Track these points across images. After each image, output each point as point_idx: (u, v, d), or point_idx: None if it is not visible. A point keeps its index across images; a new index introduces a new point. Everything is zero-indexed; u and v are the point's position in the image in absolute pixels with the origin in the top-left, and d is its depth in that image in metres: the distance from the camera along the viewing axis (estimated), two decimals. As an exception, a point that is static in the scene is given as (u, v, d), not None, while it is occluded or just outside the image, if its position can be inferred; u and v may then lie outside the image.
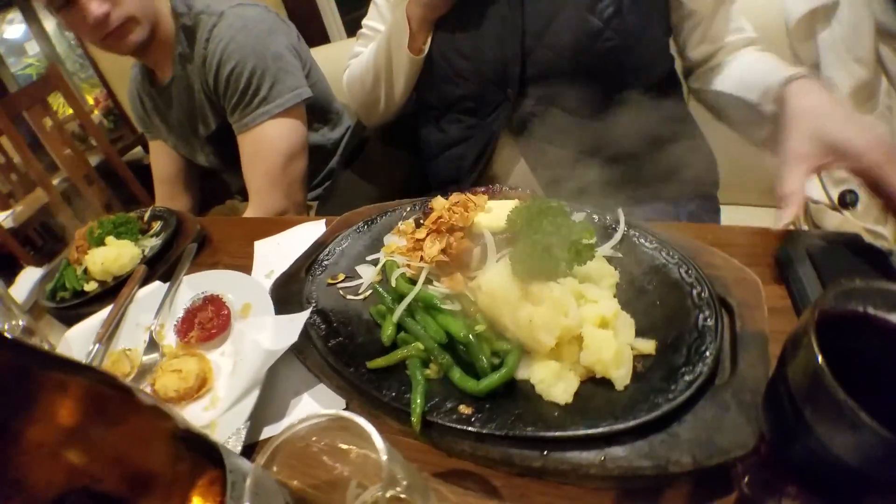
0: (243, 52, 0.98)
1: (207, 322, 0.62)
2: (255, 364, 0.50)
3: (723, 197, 0.97)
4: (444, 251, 0.53)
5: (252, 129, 1.03)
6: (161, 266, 0.82)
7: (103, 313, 0.72)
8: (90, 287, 0.84)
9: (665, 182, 0.82)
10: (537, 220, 0.48)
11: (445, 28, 0.87)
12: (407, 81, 0.93)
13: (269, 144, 1.04)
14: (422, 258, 0.55)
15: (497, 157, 0.91)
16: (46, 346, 0.72)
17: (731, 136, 0.84)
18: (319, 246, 0.69)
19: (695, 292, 0.48)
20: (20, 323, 0.71)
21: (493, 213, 0.57)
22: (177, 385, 0.52)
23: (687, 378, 0.41)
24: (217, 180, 1.40)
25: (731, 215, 1.08)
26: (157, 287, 0.75)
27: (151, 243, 0.90)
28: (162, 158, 1.32)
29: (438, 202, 0.61)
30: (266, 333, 0.54)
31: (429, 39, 0.88)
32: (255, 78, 0.99)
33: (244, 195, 1.33)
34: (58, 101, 2.18)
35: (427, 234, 0.57)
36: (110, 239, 0.87)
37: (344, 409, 0.48)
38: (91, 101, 2.71)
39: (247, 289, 0.66)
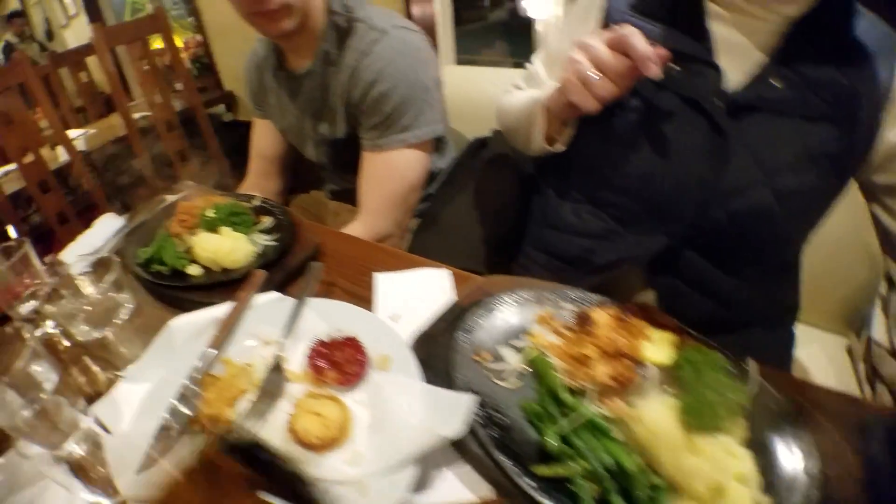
0: (398, 78, 1.00)
1: (345, 363, 0.61)
2: (409, 437, 0.48)
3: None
4: (613, 377, 0.53)
5: (384, 151, 1.04)
6: (277, 273, 0.81)
7: (213, 311, 0.71)
8: (194, 272, 0.84)
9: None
10: (705, 372, 0.51)
11: (620, 131, 0.78)
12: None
13: (396, 170, 1.06)
14: (587, 375, 0.55)
15: (627, 275, 0.88)
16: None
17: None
18: (458, 311, 0.68)
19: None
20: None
21: (653, 342, 0.57)
22: (320, 431, 0.51)
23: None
24: (310, 172, 1.40)
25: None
26: (276, 299, 0.74)
27: (263, 240, 0.89)
28: (265, 137, 1.33)
29: (602, 317, 0.60)
30: (414, 400, 0.53)
31: (566, 134, 0.83)
32: (401, 105, 1.00)
33: (336, 195, 1.34)
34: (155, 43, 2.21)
35: (595, 353, 0.57)
36: (226, 229, 0.86)
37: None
38: (180, 44, 2.75)
39: (383, 336, 0.64)
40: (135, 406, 0.63)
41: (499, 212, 1.10)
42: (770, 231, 0.76)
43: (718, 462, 0.47)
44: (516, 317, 0.66)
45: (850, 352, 1.00)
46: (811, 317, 1.12)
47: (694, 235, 0.78)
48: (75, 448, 0.58)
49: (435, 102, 1.06)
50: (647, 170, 0.77)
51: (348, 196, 1.32)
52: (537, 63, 0.97)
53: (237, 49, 2.49)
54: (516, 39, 2.19)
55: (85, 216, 1.95)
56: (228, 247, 0.83)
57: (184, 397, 0.60)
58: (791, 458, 0.50)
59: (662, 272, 0.83)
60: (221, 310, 0.72)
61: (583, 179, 0.87)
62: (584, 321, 0.61)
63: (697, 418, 0.49)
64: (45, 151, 1.88)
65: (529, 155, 0.95)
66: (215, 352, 0.65)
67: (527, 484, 0.46)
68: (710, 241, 0.78)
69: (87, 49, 2.83)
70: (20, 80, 1.72)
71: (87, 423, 0.61)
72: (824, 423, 0.53)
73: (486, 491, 0.50)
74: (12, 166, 2.20)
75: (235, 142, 2.26)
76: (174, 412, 0.58)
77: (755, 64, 0.71)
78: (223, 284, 0.80)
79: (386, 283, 0.79)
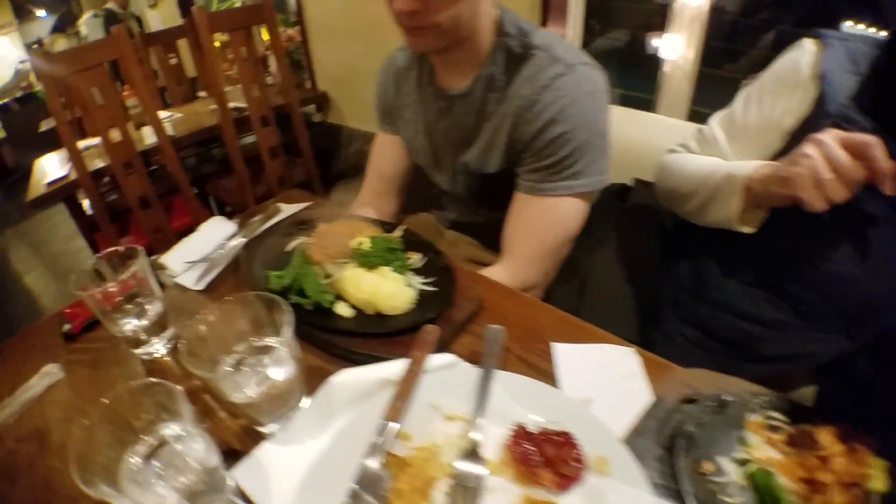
0: (581, 121, 0.89)
1: (559, 462, 0.50)
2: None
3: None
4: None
5: (548, 196, 0.93)
6: (446, 329, 0.69)
7: (380, 369, 0.61)
8: (344, 312, 0.74)
9: None
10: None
11: (821, 228, 0.73)
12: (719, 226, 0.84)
13: (556, 219, 0.95)
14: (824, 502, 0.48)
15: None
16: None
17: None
18: (666, 409, 0.58)
19: None
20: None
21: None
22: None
23: None
24: (420, 192, 1.31)
25: None
26: (450, 361, 0.64)
27: (418, 283, 0.79)
28: (388, 154, 1.24)
29: (828, 440, 0.53)
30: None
31: (759, 217, 0.79)
32: (577, 150, 0.90)
33: (456, 225, 1.24)
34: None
35: (832, 480, 0.50)
36: (385, 270, 0.76)
37: None
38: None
39: (595, 431, 0.54)
40: (288, 479, 0.53)
41: (646, 273, 1.03)
42: None
43: None
44: (727, 421, 0.57)
45: None
46: None
47: (875, 342, 0.77)
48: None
49: (607, 151, 0.95)
50: (844, 271, 0.74)
51: (473, 230, 1.23)
52: (716, 128, 0.92)
53: (337, 50, 2.50)
54: (627, 70, 2.08)
55: (164, 201, 1.90)
56: (389, 290, 0.73)
57: (367, 482, 0.49)
58: None
59: (830, 372, 0.81)
60: (390, 369, 0.61)
61: (768, 267, 0.83)
62: (807, 440, 0.54)
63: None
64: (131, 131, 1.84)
65: (697, 223, 0.90)
66: (396, 426, 0.55)
67: None
68: (889, 351, 0.76)
69: (178, 31, 2.83)
70: (117, 55, 1.68)
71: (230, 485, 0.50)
72: None
73: None
74: (94, 141, 2.19)
75: (323, 145, 2.21)
76: (358, 501, 0.47)
77: None
78: (384, 336, 0.71)
79: (566, 357, 0.68)
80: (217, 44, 1.96)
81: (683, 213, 0.94)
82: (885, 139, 0.63)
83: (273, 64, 2.42)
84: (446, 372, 0.62)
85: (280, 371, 0.57)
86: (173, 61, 2.72)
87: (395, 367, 0.61)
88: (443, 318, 0.72)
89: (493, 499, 0.50)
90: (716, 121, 0.93)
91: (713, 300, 0.89)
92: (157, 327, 0.74)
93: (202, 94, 2.92)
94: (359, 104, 2.52)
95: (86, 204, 2.14)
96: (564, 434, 0.53)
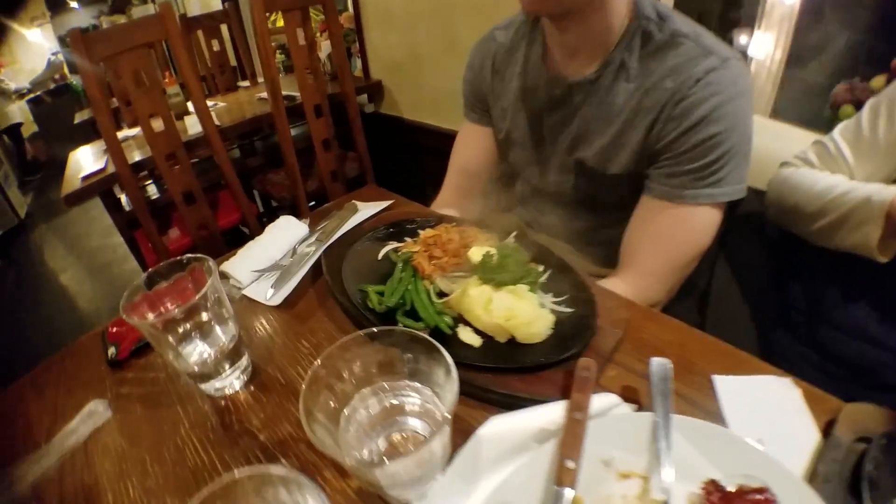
0: (734, 122, 0.74)
1: None
2: None
3: None
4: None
5: (685, 205, 0.78)
6: (596, 360, 0.52)
7: (532, 415, 0.46)
8: (471, 341, 0.58)
9: None
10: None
11: None
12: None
13: (692, 230, 0.81)
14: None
15: None
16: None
17: None
18: (844, 453, 0.46)
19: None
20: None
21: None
22: None
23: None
24: (511, 194, 1.13)
25: None
26: (612, 403, 0.48)
27: (551, 304, 0.62)
28: (477, 147, 1.08)
29: None
30: None
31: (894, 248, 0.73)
32: (727, 155, 0.75)
33: (548, 233, 1.06)
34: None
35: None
36: (520, 290, 0.59)
37: None
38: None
39: (793, 487, 0.40)
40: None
41: (763, 291, 0.99)
42: None
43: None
44: None
45: None
46: None
47: None
48: None
49: (750, 159, 0.81)
50: None
51: (572, 236, 1.04)
52: (841, 142, 0.86)
53: (394, 36, 2.31)
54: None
55: (209, 196, 1.76)
56: (527, 313, 0.56)
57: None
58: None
59: None
60: (546, 415, 0.47)
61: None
62: None
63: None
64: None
65: (822, 245, 0.84)
66: (572, 492, 0.40)
67: None
68: None
69: (222, 16, 2.72)
70: (163, 36, 1.53)
71: None
72: None
73: None
74: (133, 131, 2.07)
75: (376, 137, 2.06)
76: None
77: None
78: (516, 369, 0.54)
79: (730, 392, 0.53)
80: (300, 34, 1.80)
81: (805, 232, 0.87)
82: None
83: (323, 50, 2.28)
84: (610, 418, 0.47)
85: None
86: (216, 47, 2.60)
87: (551, 413, 0.47)
88: (589, 349, 0.56)
89: None
90: (839, 133, 0.86)
91: (834, 323, 0.85)
92: (230, 355, 0.59)
93: (244, 83, 2.81)
94: (417, 94, 2.35)
95: (124, 199, 2.03)
96: (763, 490, 0.40)
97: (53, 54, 7.05)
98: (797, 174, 0.88)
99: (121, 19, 5.47)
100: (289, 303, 0.73)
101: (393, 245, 0.76)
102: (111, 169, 1.71)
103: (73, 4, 7.00)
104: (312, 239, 0.87)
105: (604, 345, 0.57)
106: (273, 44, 2.13)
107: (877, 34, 1.51)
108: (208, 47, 2.63)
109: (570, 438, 0.44)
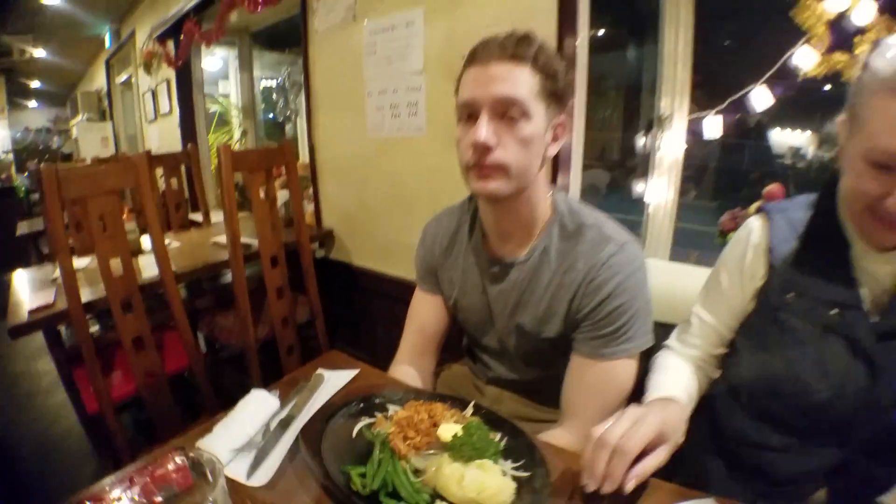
0: (634, 293, 0.98)
1: None
2: None
3: None
4: None
5: (607, 360, 0.99)
6: None
7: None
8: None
9: None
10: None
11: (805, 369, 0.90)
12: None
13: (616, 380, 1.00)
14: None
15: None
16: None
17: None
18: None
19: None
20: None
21: None
22: None
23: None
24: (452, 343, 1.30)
25: None
26: None
27: (511, 470, 0.74)
28: (432, 313, 1.26)
29: None
30: None
31: None
32: (633, 318, 0.98)
33: (496, 381, 1.23)
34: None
35: None
36: (486, 463, 0.71)
37: None
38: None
39: None
40: None
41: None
42: None
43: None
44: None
45: None
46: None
47: (864, 445, 0.88)
48: None
49: (651, 314, 1.04)
50: (825, 397, 0.88)
51: (518, 386, 1.23)
52: (696, 315, 1.08)
53: (346, 190, 2.59)
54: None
55: (155, 335, 1.77)
56: (495, 485, 0.68)
57: None
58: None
59: (835, 475, 0.91)
60: None
61: (769, 403, 0.96)
62: None
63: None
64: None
65: None
66: None
67: None
68: (879, 446, 0.87)
69: (183, 156, 2.90)
70: (134, 184, 1.64)
71: None
72: None
73: None
74: (84, 261, 2.04)
75: (325, 281, 2.19)
76: None
77: (890, 296, 0.85)
78: None
79: None
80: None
81: None
82: (831, 290, 0.86)
83: (280, 198, 2.47)
84: None
85: None
86: (175, 185, 2.75)
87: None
88: None
89: None
90: (696, 307, 1.08)
91: (735, 438, 1.01)
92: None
93: (195, 214, 2.94)
94: (367, 242, 2.58)
95: (64, 331, 1.98)
96: None
97: (4, 152, 6.92)
98: (656, 363, 1.08)
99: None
100: (269, 482, 0.79)
101: (366, 421, 0.86)
102: (61, 305, 1.68)
103: (33, 104, 7.03)
104: (284, 413, 0.95)
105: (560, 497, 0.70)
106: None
107: (747, 168, 1.93)
108: (168, 185, 2.76)
109: None
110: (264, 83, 4.61)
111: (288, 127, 4.30)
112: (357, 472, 0.72)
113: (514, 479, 0.73)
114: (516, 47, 0.91)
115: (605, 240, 0.99)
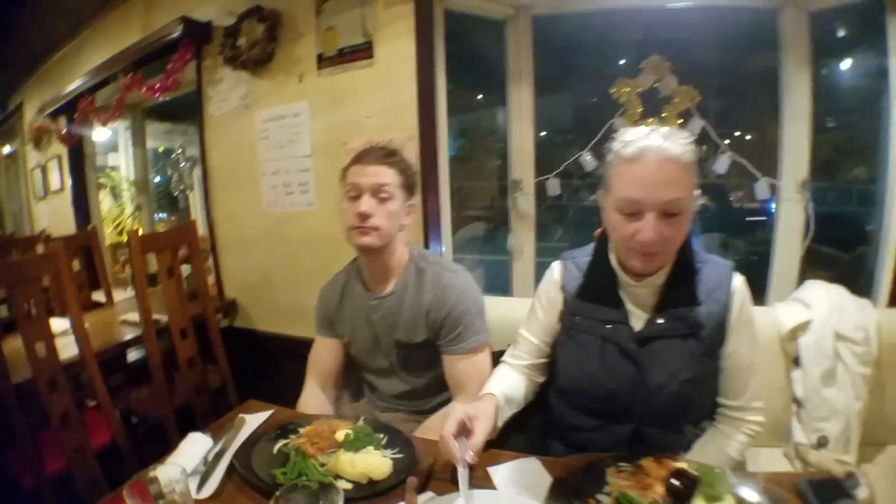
0: (468, 302, 1.49)
1: None
2: None
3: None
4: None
5: (465, 353, 1.48)
6: (421, 479, 1.03)
7: None
8: (344, 486, 1.01)
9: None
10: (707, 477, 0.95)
11: (593, 372, 1.23)
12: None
13: (476, 366, 1.47)
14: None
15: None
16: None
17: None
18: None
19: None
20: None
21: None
22: None
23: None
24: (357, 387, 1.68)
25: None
26: (429, 498, 0.99)
27: (390, 454, 1.12)
28: (330, 354, 1.67)
29: (646, 462, 1.02)
30: None
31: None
32: (472, 318, 1.48)
33: (386, 403, 1.65)
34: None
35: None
36: (370, 450, 1.09)
37: None
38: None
39: None
40: None
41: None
42: (690, 405, 1.22)
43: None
44: (595, 476, 1.02)
45: (786, 455, 1.40)
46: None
47: (647, 419, 1.19)
48: None
49: (485, 316, 1.55)
50: (610, 388, 1.21)
51: (403, 399, 1.64)
52: (522, 335, 1.41)
53: (247, 260, 2.90)
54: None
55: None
56: (377, 463, 1.05)
57: None
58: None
59: (635, 443, 1.21)
60: None
61: (578, 396, 1.30)
62: (638, 470, 1.01)
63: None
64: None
65: None
66: None
67: None
68: (659, 419, 1.18)
69: (84, 236, 3.02)
70: (56, 271, 1.83)
71: None
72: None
73: None
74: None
75: (232, 349, 2.41)
76: None
77: (649, 310, 1.21)
78: (372, 495, 1.01)
79: (498, 476, 1.08)
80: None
81: None
82: (603, 311, 1.23)
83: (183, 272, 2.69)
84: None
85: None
86: (76, 267, 2.86)
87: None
88: (416, 472, 1.05)
89: None
90: (522, 329, 1.42)
91: (565, 426, 1.34)
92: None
93: (96, 293, 3.04)
94: (270, 308, 2.90)
95: None
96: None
97: None
98: (496, 370, 1.40)
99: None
100: (217, 494, 1.07)
101: (283, 441, 1.19)
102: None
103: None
104: (218, 447, 1.24)
105: (424, 467, 1.07)
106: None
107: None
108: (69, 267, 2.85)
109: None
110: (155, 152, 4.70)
111: (180, 199, 4.40)
112: (280, 472, 1.05)
113: (392, 460, 1.10)
114: (387, 156, 1.49)
115: (445, 270, 1.53)
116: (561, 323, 1.33)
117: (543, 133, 2.60)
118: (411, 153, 2.38)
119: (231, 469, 1.13)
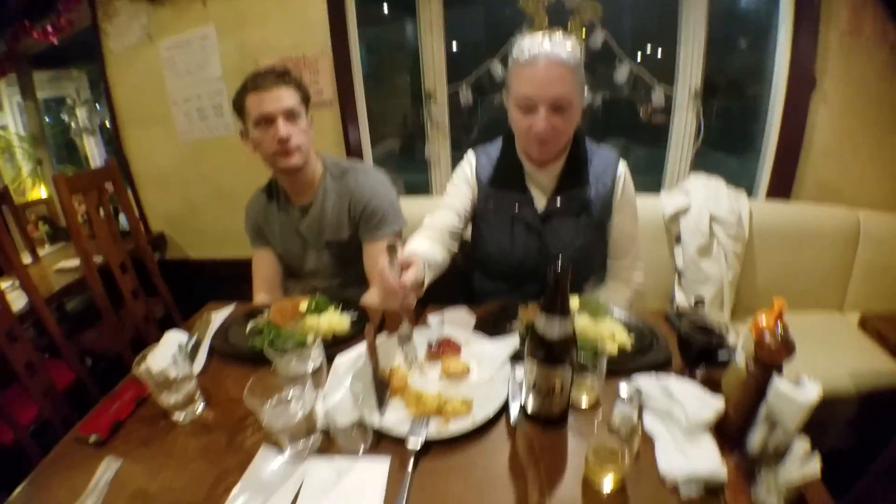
0: (382, 196, 1.67)
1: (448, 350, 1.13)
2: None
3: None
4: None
5: (383, 238, 1.64)
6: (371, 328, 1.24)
7: (355, 350, 1.18)
8: (310, 341, 1.22)
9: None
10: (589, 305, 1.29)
11: (504, 244, 1.50)
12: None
13: None
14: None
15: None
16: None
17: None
18: (486, 314, 1.28)
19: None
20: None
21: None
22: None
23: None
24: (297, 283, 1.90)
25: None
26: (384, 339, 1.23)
27: (348, 315, 1.37)
28: (267, 261, 1.85)
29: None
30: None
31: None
32: (387, 207, 1.67)
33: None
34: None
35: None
36: (332, 310, 1.33)
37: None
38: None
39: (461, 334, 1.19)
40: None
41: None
42: (584, 268, 1.53)
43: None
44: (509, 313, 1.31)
45: (666, 318, 1.60)
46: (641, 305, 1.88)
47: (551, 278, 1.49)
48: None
49: (399, 207, 1.74)
50: (519, 256, 1.49)
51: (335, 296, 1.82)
52: (442, 206, 1.57)
53: (169, 195, 2.97)
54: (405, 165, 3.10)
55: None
56: (338, 320, 1.29)
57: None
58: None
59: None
60: (359, 350, 1.17)
61: (490, 266, 1.59)
62: None
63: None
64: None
65: None
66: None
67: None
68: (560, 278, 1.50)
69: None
70: None
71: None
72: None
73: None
74: None
75: (169, 280, 2.50)
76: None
77: (549, 193, 1.46)
78: (342, 342, 1.26)
79: (435, 321, 1.35)
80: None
81: None
82: (510, 196, 1.47)
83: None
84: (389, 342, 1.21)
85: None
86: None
87: (360, 350, 1.17)
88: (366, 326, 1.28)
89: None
90: (440, 206, 1.56)
91: (484, 292, 1.66)
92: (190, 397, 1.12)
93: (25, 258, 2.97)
94: (199, 237, 3.00)
95: None
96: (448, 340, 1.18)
97: None
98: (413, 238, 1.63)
99: None
100: (204, 370, 1.27)
101: (253, 322, 1.38)
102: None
103: None
104: (194, 339, 1.42)
105: (377, 320, 1.33)
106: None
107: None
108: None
109: (371, 352, 1.11)
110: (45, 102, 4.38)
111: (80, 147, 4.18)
112: (259, 340, 1.24)
113: (349, 318, 1.35)
114: (281, 76, 1.54)
115: (359, 171, 1.70)
116: (474, 204, 1.56)
117: (454, 45, 2.71)
118: (325, 69, 2.47)
119: (212, 351, 1.32)
